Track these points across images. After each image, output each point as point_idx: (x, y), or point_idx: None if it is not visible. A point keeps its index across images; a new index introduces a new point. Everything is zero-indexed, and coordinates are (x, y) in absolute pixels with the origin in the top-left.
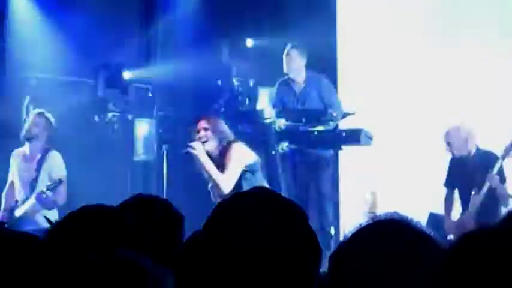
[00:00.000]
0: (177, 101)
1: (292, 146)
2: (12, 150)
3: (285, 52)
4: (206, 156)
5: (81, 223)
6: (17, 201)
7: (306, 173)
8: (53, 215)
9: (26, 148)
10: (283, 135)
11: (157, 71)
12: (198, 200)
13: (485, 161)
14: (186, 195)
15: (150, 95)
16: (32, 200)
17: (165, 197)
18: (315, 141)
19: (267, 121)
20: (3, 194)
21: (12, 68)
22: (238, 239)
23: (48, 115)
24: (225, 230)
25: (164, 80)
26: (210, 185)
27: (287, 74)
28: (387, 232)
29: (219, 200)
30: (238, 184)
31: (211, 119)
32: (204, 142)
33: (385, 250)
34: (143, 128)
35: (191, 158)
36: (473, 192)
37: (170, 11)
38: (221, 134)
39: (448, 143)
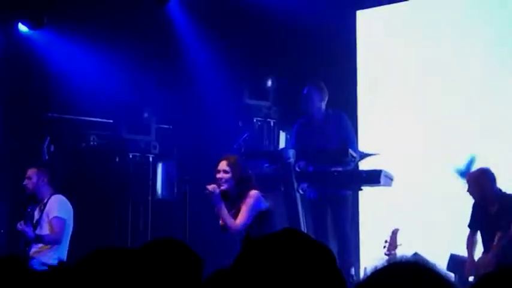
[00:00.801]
0: (198, 141)
1: (312, 187)
2: None
3: (305, 91)
4: (220, 202)
5: (97, 265)
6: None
7: (326, 213)
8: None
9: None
10: (303, 175)
11: (178, 111)
12: (220, 240)
13: (510, 203)
14: (208, 236)
15: (170, 135)
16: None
17: (187, 237)
18: (335, 181)
19: (287, 161)
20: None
21: (32, 107)
22: (268, 278)
23: (39, 169)
24: (254, 269)
25: (185, 121)
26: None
27: (306, 113)
28: (401, 275)
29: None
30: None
31: (231, 161)
32: (223, 183)
33: None
34: (164, 168)
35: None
36: (497, 235)
37: (191, 52)
38: (240, 175)
39: (469, 187)
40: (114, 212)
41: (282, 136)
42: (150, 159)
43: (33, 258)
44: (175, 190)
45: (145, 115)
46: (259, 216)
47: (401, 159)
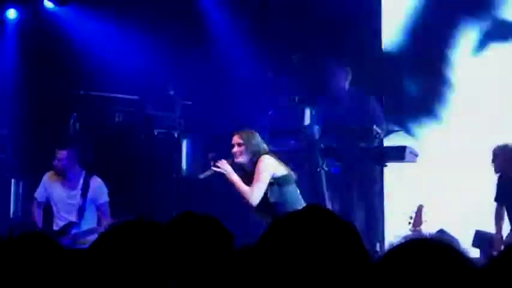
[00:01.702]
0: (223, 118)
1: (337, 163)
2: None
3: (329, 69)
4: (233, 174)
5: (127, 236)
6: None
7: (351, 190)
8: None
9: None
10: (328, 152)
11: (204, 88)
12: (245, 216)
13: None
14: (233, 213)
15: (195, 112)
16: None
17: (212, 213)
18: (360, 158)
19: (312, 138)
20: (35, 214)
21: (58, 83)
22: (293, 257)
23: (71, 145)
24: (279, 248)
25: (210, 98)
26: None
27: (331, 91)
28: (416, 253)
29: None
30: (265, 196)
31: (244, 134)
32: (237, 156)
33: (410, 273)
34: (189, 145)
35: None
36: None
37: (217, 28)
38: (254, 148)
39: (494, 162)
40: (140, 189)
41: (307, 113)
42: (176, 136)
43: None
44: (202, 167)
45: (171, 92)
46: (276, 183)
47: (428, 133)
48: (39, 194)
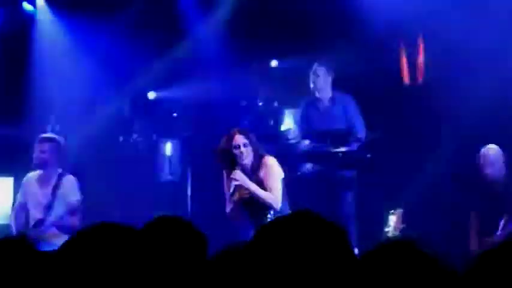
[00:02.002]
0: (202, 121)
1: (317, 167)
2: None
3: (312, 70)
4: (252, 184)
5: (100, 239)
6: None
7: (329, 194)
8: None
9: (39, 173)
10: (308, 156)
11: (182, 91)
12: (223, 220)
13: None
14: (211, 216)
15: (174, 115)
16: (50, 225)
17: (189, 217)
18: (339, 162)
19: (292, 142)
20: (12, 216)
21: (38, 86)
22: (283, 260)
23: (56, 137)
24: (269, 252)
25: (189, 101)
26: (229, 208)
27: (313, 94)
28: (390, 256)
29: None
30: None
31: (248, 133)
32: (244, 157)
33: (388, 277)
34: (168, 148)
35: (216, 179)
36: (504, 219)
37: (196, 32)
38: (256, 147)
39: (482, 164)
40: (118, 192)
41: (287, 117)
42: (154, 139)
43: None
44: (179, 170)
45: (150, 96)
46: None
47: (407, 138)
48: (18, 195)
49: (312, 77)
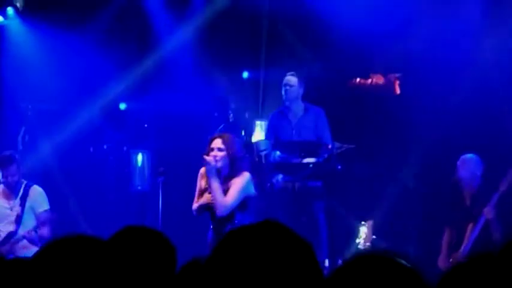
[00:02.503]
0: (173, 132)
1: (287, 178)
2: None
3: (284, 80)
4: (215, 179)
5: (66, 251)
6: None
7: (300, 205)
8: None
9: (2, 187)
10: (279, 167)
11: (154, 102)
12: (193, 230)
13: (484, 194)
14: (181, 226)
15: (145, 126)
16: (21, 238)
17: (160, 227)
18: (310, 173)
19: (263, 153)
20: None
21: (7, 97)
22: (246, 269)
23: (15, 154)
24: (233, 259)
25: (160, 112)
26: (195, 206)
27: (284, 104)
28: (363, 267)
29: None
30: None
31: (226, 139)
32: (217, 161)
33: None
34: (139, 159)
35: (187, 190)
36: (468, 228)
37: (167, 43)
38: (234, 154)
39: (459, 166)
40: (88, 202)
41: (258, 127)
42: (125, 149)
43: (15, 254)
44: (150, 181)
45: (121, 106)
46: (244, 201)
47: (376, 153)
48: None
49: (283, 87)
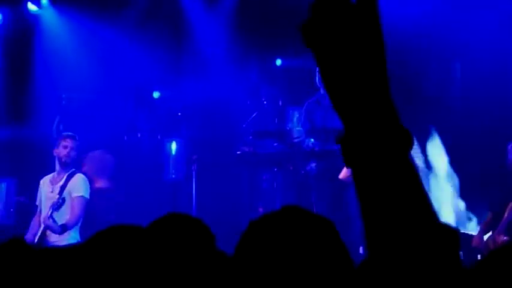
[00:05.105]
0: (206, 120)
1: (322, 166)
2: (40, 169)
3: (314, 71)
4: None
5: (110, 242)
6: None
7: (335, 193)
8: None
9: (54, 173)
10: (312, 154)
11: (187, 90)
12: (227, 218)
13: None
14: (215, 214)
15: (179, 114)
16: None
17: (194, 216)
18: (342, 160)
19: (296, 140)
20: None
21: (42, 86)
22: (270, 258)
23: (75, 139)
24: (256, 249)
25: (193, 100)
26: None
27: (318, 91)
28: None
29: None
30: None
31: None
32: None
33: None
34: (172, 147)
35: (220, 178)
36: (508, 208)
37: (201, 31)
38: None
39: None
40: (122, 191)
41: (291, 115)
42: (159, 138)
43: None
44: (183, 169)
45: (155, 95)
46: None
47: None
48: (37, 199)
49: (318, 74)
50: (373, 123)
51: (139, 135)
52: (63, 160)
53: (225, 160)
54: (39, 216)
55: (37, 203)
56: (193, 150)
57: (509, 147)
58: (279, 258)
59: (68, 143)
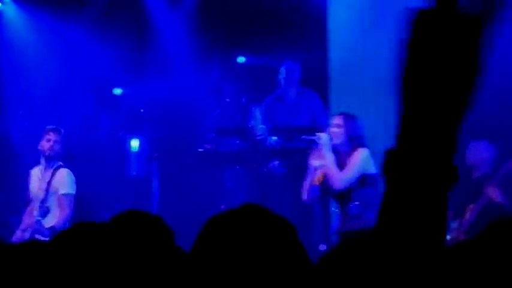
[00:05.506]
0: (169, 118)
1: (285, 163)
2: (6, 162)
3: (283, 68)
4: (329, 151)
5: (75, 239)
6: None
7: (297, 191)
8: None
9: (42, 166)
10: (275, 152)
11: (149, 88)
12: (188, 216)
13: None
14: (176, 212)
15: (141, 111)
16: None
17: (155, 212)
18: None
19: (259, 138)
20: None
21: (4, 82)
22: (227, 255)
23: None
24: (212, 246)
25: (156, 97)
26: (306, 184)
27: (279, 89)
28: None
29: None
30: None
31: (346, 118)
32: (334, 138)
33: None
34: (134, 144)
35: (182, 175)
36: (468, 208)
37: (163, 29)
38: (353, 132)
39: (472, 159)
40: (82, 187)
41: (254, 113)
42: (120, 135)
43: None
44: (145, 167)
45: (117, 92)
46: (362, 179)
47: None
48: (29, 191)
49: (281, 73)
50: (430, 154)
51: (100, 131)
52: (47, 154)
53: (187, 157)
54: (31, 209)
55: (31, 197)
56: (155, 147)
57: (469, 146)
58: (234, 256)
59: (51, 136)
